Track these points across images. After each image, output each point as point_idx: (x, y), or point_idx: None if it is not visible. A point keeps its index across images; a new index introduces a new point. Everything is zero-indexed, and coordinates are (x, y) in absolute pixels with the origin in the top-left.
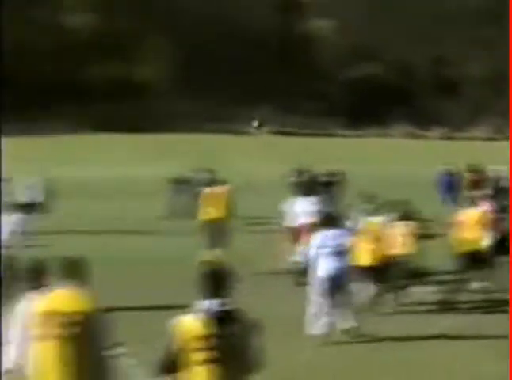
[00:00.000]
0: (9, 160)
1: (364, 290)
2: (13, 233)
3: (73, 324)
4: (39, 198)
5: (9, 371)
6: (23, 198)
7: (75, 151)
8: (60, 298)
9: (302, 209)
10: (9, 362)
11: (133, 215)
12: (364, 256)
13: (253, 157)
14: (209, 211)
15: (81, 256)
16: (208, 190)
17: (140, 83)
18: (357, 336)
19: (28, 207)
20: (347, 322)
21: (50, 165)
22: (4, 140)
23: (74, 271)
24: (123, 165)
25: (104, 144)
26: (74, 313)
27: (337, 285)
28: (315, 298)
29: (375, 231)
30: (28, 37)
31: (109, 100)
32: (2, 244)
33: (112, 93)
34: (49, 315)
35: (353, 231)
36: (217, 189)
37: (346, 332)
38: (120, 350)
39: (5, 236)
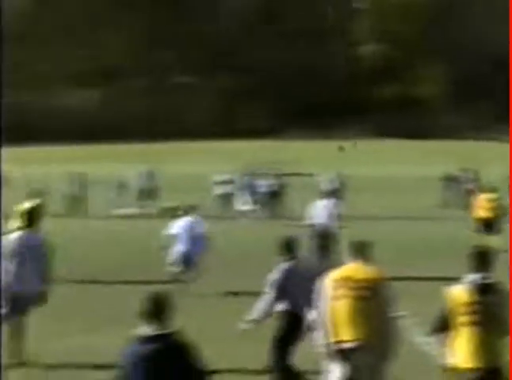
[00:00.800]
0: (308, 159)
1: None
2: (331, 215)
3: (362, 288)
4: (336, 189)
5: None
6: (325, 188)
7: (365, 153)
8: (352, 268)
9: None
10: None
11: (413, 205)
12: None
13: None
14: (481, 212)
15: (366, 239)
16: (480, 195)
17: (417, 99)
18: None
19: (331, 195)
20: None
21: (346, 164)
22: (303, 144)
23: (362, 250)
24: (404, 165)
25: (388, 148)
26: (364, 279)
27: None
28: None
29: None
30: (330, 65)
31: (392, 113)
32: (324, 224)
33: (394, 108)
34: (344, 280)
35: None
36: (488, 195)
37: None
38: (403, 312)
39: (323, 218)
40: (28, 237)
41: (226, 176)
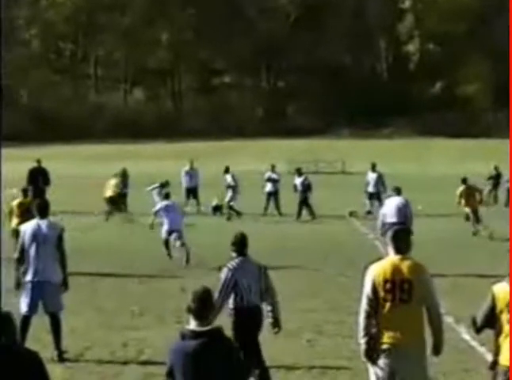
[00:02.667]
0: (355, 158)
1: None
2: (405, 213)
3: (406, 290)
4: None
5: None
6: (370, 188)
7: (411, 152)
8: (397, 264)
9: None
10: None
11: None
12: None
13: None
14: None
15: (408, 230)
16: None
17: (463, 98)
18: None
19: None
20: None
21: (393, 163)
22: (350, 143)
23: (406, 242)
24: (450, 164)
25: (434, 147)
26: (408, 280)
27: None
28: None
29: None
30: (377, 64)
31: (438, 112)
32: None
33: (440, 106)
34: (388, 282)
35: None
36: None
37: None
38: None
39: (397, 217)
40: (41, 226)
41: (273, 175)
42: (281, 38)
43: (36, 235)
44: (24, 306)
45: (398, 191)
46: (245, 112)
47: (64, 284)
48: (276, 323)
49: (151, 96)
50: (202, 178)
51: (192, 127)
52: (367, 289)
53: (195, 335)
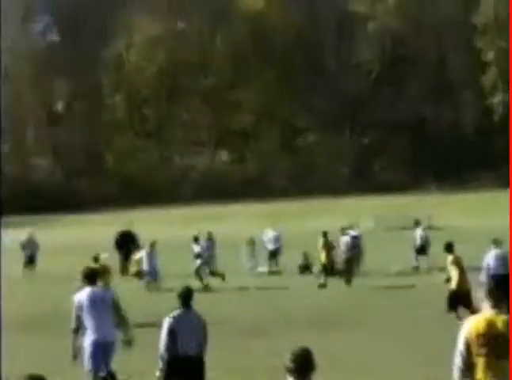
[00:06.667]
0: (444, 212)
1: None
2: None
3: (501, 345)
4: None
5: None
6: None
7: (496, 205)
8: (492, 319)
9: None
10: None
11: None
12: None
13: None
14: None
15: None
16: None
17: None
18: None
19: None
20: None
21: (478, 216)
22: (437, 198)
23: (501, 297)
24: None
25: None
26: (502, 335)
27: None
28: None
29: None
30: (461, 118)
31: None
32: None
33: None
34: (485, 337)
35: None
36: None
37: None
38: None
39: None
40: (96, 292)
41: (353, 232)
42: (364, 93)
43: (92, 298)
44: (90, 365)
45: (497, 244)
46: (329, 170)
47: (128, 342)
48: None
49: (235, 157)
50: (285, 239)
51: (277, 187)
52: (460, 345)
53: None
